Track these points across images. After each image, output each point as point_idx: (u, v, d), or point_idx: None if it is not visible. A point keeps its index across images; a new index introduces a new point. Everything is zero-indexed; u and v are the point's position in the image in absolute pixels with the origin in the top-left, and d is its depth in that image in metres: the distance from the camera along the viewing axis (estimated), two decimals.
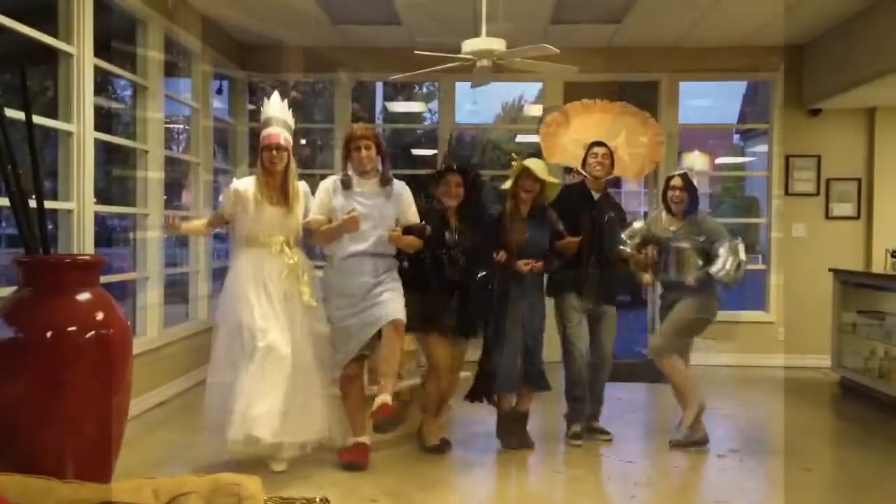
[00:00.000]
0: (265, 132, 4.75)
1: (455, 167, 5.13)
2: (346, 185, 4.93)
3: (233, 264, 4.84)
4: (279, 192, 4.76)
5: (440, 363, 5.11)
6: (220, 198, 5.04)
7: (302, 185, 4.89)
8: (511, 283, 5.15)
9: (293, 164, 4.84)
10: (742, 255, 5.24)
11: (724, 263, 5.20)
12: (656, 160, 6.03)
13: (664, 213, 5.50)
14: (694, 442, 5.33)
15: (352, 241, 4.84)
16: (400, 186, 5.01)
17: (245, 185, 4.78)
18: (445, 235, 5.05)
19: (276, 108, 4.78)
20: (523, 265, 5.10)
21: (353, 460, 4.80)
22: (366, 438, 4.91)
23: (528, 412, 5.42)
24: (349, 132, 5.02)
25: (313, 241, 5.02)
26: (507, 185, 5.30)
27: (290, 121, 4.85)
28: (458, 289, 5.05)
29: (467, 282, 5.07)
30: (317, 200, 4.96)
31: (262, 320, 4.56)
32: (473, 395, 5.29)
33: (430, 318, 5.04)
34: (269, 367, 4.47)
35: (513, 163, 5.34)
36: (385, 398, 4.56)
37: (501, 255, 5.05)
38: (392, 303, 4.78)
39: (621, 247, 5.44)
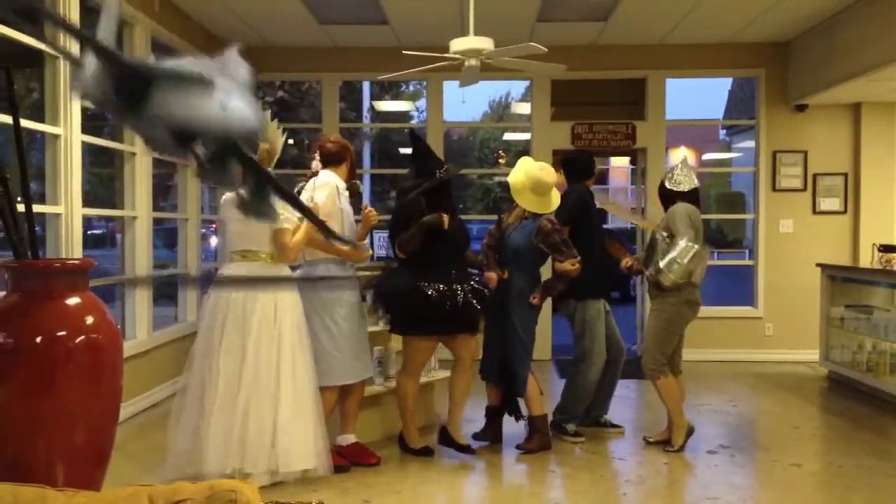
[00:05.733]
0: None
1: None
2: (355, 191, 5.03)
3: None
4: None
5: (415, 365, 5.10)
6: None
7: None
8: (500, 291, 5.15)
9: None
10: (676, 254, 5.01)
11: (666, 262, 5.06)
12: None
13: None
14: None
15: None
16: None
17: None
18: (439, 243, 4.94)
19: None
20: (533, 299, 5.12)
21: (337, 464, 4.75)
22: (342, 440, 4.94)
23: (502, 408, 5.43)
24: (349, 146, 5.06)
25: (316, 246, 4.76)
26: (511, 178, 5.23)
27: None
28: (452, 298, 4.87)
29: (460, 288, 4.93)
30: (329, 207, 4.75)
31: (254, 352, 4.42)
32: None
33: (416, 321, 4.95)
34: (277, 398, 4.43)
35: (499, 161, 5.32)
36: (349, 437, 4.95)
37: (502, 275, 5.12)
38: (361, 357, 4.92)
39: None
